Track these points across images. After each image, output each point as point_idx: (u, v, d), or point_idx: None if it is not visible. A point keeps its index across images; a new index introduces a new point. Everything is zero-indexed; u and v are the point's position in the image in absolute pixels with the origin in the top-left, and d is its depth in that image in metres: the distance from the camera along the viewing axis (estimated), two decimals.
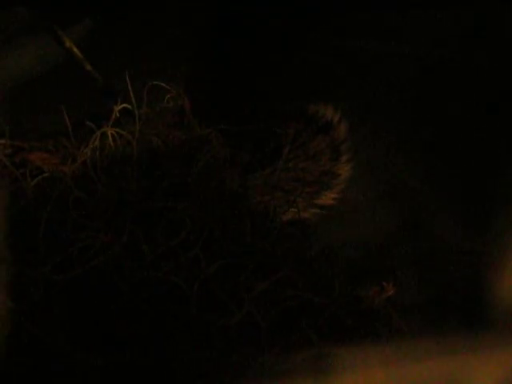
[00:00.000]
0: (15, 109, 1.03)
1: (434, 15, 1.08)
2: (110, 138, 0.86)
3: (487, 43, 1.01)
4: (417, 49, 1.08)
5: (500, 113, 0.97)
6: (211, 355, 0.70)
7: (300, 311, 0.73)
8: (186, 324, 0.72)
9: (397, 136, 1.05)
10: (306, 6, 1.18)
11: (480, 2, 1.05)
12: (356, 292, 0.77)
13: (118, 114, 0.87)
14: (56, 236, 0.77)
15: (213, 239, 0.79)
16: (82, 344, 0.71)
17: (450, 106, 1.02)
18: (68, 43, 1.02)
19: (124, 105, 0.88)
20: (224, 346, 0.70)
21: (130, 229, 0.77)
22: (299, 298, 0.73)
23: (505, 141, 0.96)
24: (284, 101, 1.11)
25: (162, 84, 0.91)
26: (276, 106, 1.10)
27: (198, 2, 1.18)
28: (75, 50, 1.03)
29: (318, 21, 1.18)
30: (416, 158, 1.03)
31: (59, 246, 0.76)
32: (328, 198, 1.05)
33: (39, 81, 1.05)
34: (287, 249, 0.82)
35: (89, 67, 1.05)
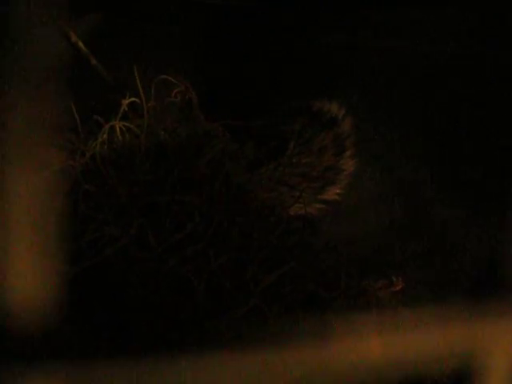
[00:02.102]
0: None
1: (442, 11, 1.08)
2: (118, 132, 0.87)
3: (498, 40, 1.02)
4: (424, 45, 1.09)
5: (508, 110, 0.98)
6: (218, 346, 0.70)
7: (306, 304, 0.74)
8: (193, 315, 0.73)
9: (403, 131, 1.05)
10: (312, 2, 1.19)
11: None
12: (362, 285, 0.77)
13: (126, 108, 0.88)
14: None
15: (220, 232, 0.79)
16: (89, 335, 0.72)
17: (458, 102, 1.03)
18: (74, 38, 1.03)
19: (132, 99, 0.89)
20: (231, 337, 0.71)
21: (138, 221, 0.78)
22: (305, 291, 0.74)
23: None
24: (290, 96, 1.11)
25: (170, 78, 0.92)
26: (282, 101, 1.11)
27: None
28: (81, 44, 1.04)
29: (323, 17, 1.18)
30: (423, 153, 1.03)
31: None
32: (332, 193, 1.06)
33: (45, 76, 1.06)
34: (294, 242, 0.83)
35: (94, 61, 1.05)
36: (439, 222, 0.94)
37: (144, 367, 0.20)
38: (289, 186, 1.01)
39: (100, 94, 1.04)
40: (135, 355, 0.20)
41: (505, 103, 0.99)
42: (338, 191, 1.06)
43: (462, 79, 1.03)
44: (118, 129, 0.87)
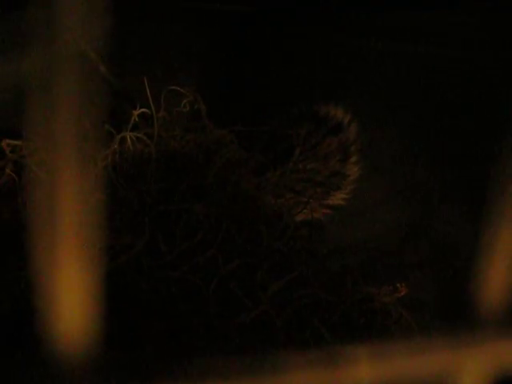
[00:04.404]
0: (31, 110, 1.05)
1: (449, 14, 1.09)
2: (129, 142, 0.89)
3: (506, 44, 1.02)
4: (431, 49, 1.09)
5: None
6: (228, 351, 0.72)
7: (313, 309, 0.76)
8: (203, 321, 0.75)
9: (407, 136, 1.06)
10: (318, 6, 1.20)
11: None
12: (367, 291, 0.79)
13: (136, 119, 0.90)
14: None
15: (229, 239, 0.81)
16: (103, 341, 0.74)
17: (462, 106, 1.03)
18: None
19: (142, 109, 0.91)
20: (240, 342, 0.73)
21: (149, 230, 0.80)
22: (313, 296, 0.76)
23: None
24: (296, 101, 1.12)
25: (179, 89, 0.94)
26: (288, 107, 1.12)
27: (212, 6, 1.20)
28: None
29: (330, 21, 1.19)
30: (427, 158, 1.04)
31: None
32: (337, 198, 1.07)
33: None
34: (301, 248, 0.84)
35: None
36: (444, 228, 0.95)
37: (155, 370, 0.21)
38: (294, 192, 1.03)
39: (109, 102, 1.06)
40: (146, 359, 0.22)
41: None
42: (343, 196, 1.08)
43: (474, 82, 1.04)
44: (128, 139, 0.89)
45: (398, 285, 0.79)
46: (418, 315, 0.79)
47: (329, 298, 0.77)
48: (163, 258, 0.79)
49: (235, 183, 0.88)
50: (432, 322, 0.80)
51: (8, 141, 0.89)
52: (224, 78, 1.20)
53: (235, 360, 0.21)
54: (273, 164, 1.04)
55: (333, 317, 0.76)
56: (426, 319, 0.80)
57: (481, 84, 1.04)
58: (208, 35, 1.22)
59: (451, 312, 0.78)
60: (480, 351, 0.23)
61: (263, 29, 1.23)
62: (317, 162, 1.08)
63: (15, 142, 0.89)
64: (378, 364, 0.22)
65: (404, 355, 0.22)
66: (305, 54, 1.20)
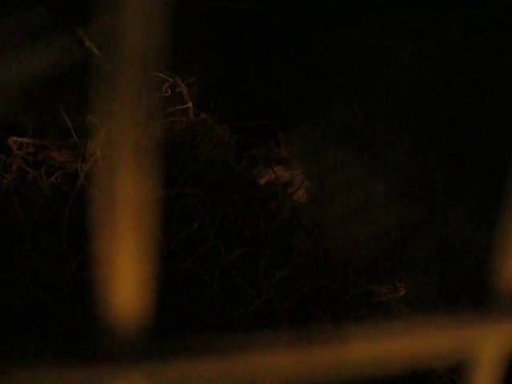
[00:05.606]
0: (37, 108, 1.05)
1: (448, 13, 1.08)
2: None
3: (504, 42, 1.02)
4: (432, 46, 1.09)
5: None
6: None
7: (316, 298, 0.77)
8: (208, 310, 0.76)
9: (410, 133, 1.07)
10: (316, 5, 1.19)
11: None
12: (369, 286, 0.80)
13: None
14: (79, 231, 0.80)
15: (228, 226, 0.82)
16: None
17: (465, 103, 1.03)
18: (88, 42, 1.03)
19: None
20: (244, 330, 0.74)
21: None
22: (315, 285, 0.77)
23: None
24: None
25: (159, 74, 0.93)
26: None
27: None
28: (94, 49, 1.04)
29: (331, 19, 1.18)
30: (431, 155, 1.05)
31: (82, 242, 0.79)
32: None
33: (59, 80, 1.07)
34: (298, 227, 0.85)
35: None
36: (446, 225, 0.96)
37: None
38: None
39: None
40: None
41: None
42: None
43: (476, 80, 1.04)
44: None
45: (398, 284, 0.81)
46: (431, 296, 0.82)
47: (332, 286, 0.78)
48: (162, 248, 0.79)
49: (225, 166, 0.88)
50: (445, 303, 0.83)
51: (15, 138, 0.88)
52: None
53: (233, 337, 0.23)
54: None
55: (335, 306, 0.77)
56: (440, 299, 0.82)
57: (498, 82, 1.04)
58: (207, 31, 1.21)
59: (466, 293, 0.80)
60: (495, 329, 0.25)
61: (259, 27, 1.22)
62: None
63: (22, 139, 0.89)
64: (382, 342, 0.23)
65: (414, 334, 0.23)
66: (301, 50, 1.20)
